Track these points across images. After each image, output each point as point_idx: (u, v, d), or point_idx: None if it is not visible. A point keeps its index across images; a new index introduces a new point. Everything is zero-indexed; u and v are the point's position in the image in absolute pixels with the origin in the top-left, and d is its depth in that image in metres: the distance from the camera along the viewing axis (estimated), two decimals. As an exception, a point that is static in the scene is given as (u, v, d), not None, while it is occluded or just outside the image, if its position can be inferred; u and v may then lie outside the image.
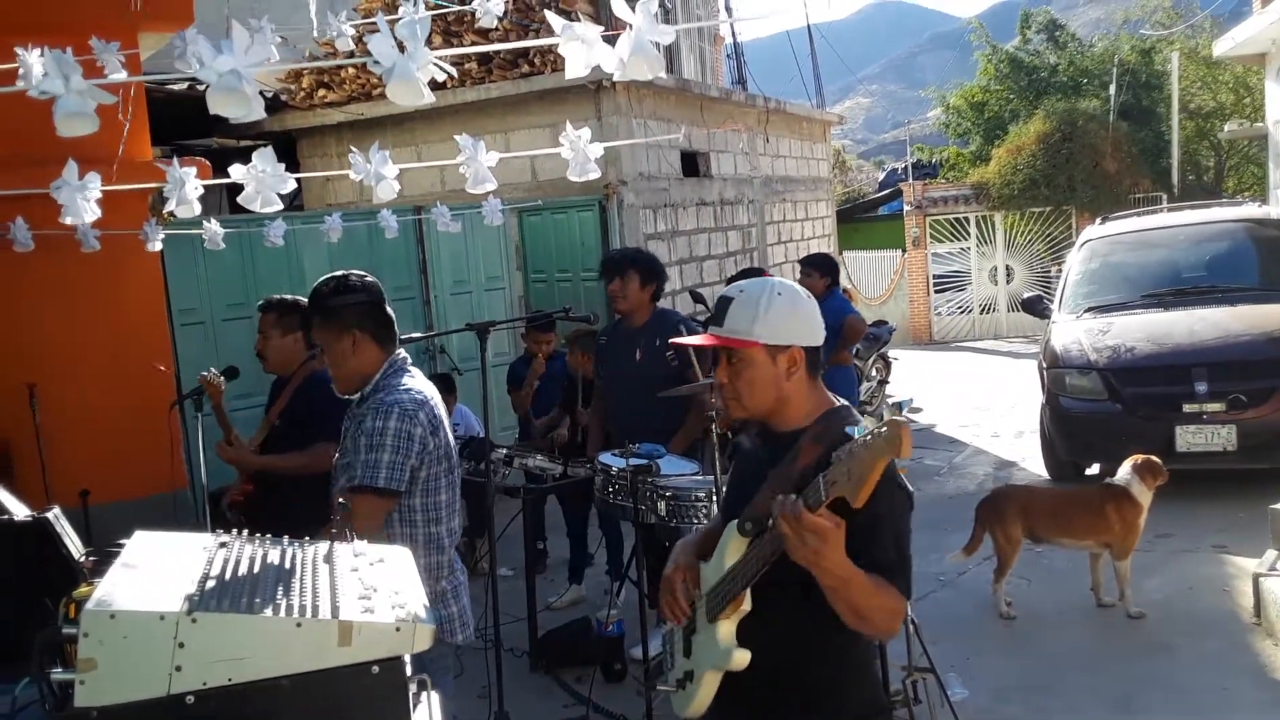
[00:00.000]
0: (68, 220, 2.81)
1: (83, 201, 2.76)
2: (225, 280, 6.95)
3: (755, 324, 2.04)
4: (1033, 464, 8.26)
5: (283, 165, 2.62)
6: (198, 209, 2.91)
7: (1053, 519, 5.23)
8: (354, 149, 2.90)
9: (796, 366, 2.07)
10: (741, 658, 2.01)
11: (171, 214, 2.86)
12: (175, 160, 2.90)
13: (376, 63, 1.76)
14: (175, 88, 8.59)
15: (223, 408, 4.21)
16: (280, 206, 2.67)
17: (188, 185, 2.81)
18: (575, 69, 1.86)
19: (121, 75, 1.93)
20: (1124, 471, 5.15)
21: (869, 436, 1.67)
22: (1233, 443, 6.47)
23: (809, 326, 2.10)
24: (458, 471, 3.04)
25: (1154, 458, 5.14)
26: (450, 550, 3.02)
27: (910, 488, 1.99)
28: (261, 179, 2.49)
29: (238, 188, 2.59)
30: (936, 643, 4.35)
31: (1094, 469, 7.36)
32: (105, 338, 6.12)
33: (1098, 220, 9.39)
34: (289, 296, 4.18)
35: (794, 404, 2.10)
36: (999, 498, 5.38)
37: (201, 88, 1.75)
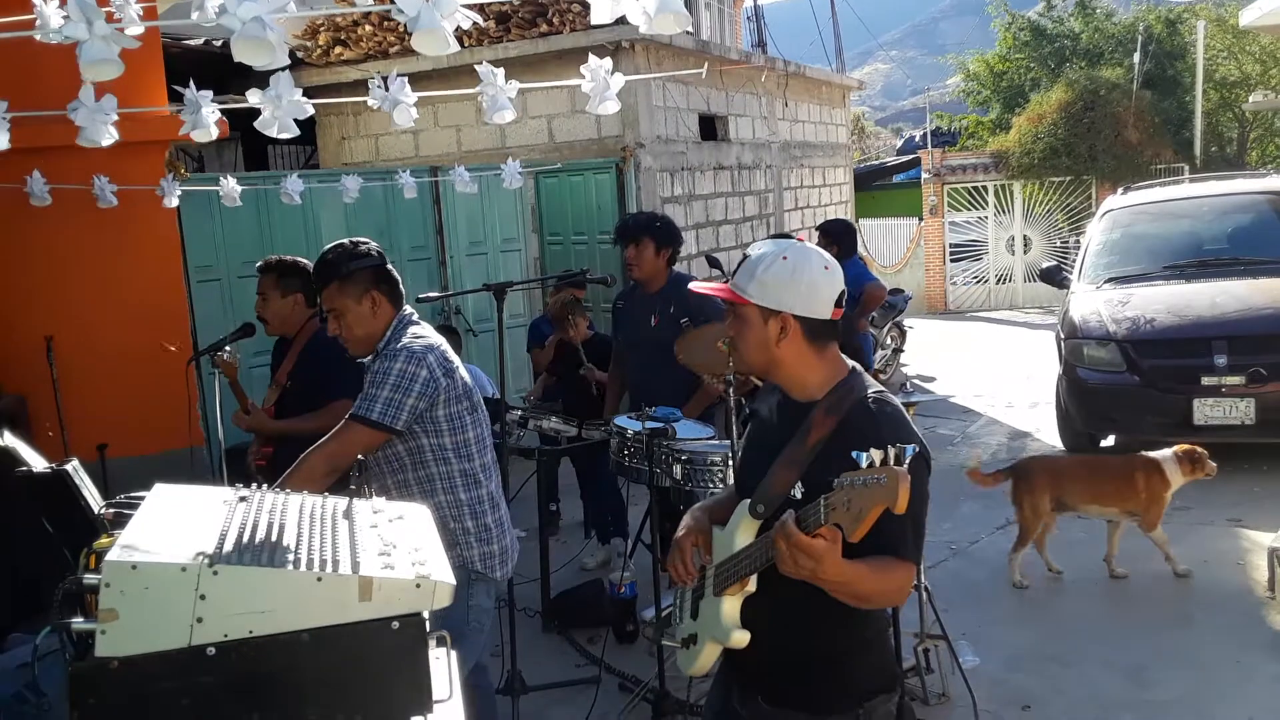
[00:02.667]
0: (84, 142, 2.74)
1: (101, 124, 2.70)
2: (241, 238, 6.95)
3: (750, 283, 2.05)
4: (1047, 434, 8.22)
5: (299, 92, 2.56)
6: (215, 133, 2.86)
7: (1082, 485, 5.22)
8: (376, 74, 2.86)
9: (786, 333, 2.05)
10: (740, 638, 2.05)
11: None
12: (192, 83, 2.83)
13: (401, 11, 1.73)
14: (191, 43, 8.54)
15: (238, 383, 4.23)
16: (296, 133, 2.63)
17: (204, 110, 2.77)
18: (601, 14, 1.83)
19: (140, 28, 1.89)
20: (1166, 450, 5.16)
21: (874, 478, 1.67)
22: (1251, 416, 6.42)
23: (807, 296, 2.04)
24: (483, 410, 3.15)
25: (1200, 450, 5.10)
26: (489, 485, 3.13)
27: (928, 449, 1.98)
28: (278, 103, 2.46)
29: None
30: (948, 610, 4.36)
31: (1110, 440, 7.32)
32: (122, 293, 6.12)
33: (1119, 190, 9.28)
34: (288, 257, 4.18)
35: (793, 369, 2.09)
36: (1029, 469, 5.32)
37: (218, 42, 1.73)
